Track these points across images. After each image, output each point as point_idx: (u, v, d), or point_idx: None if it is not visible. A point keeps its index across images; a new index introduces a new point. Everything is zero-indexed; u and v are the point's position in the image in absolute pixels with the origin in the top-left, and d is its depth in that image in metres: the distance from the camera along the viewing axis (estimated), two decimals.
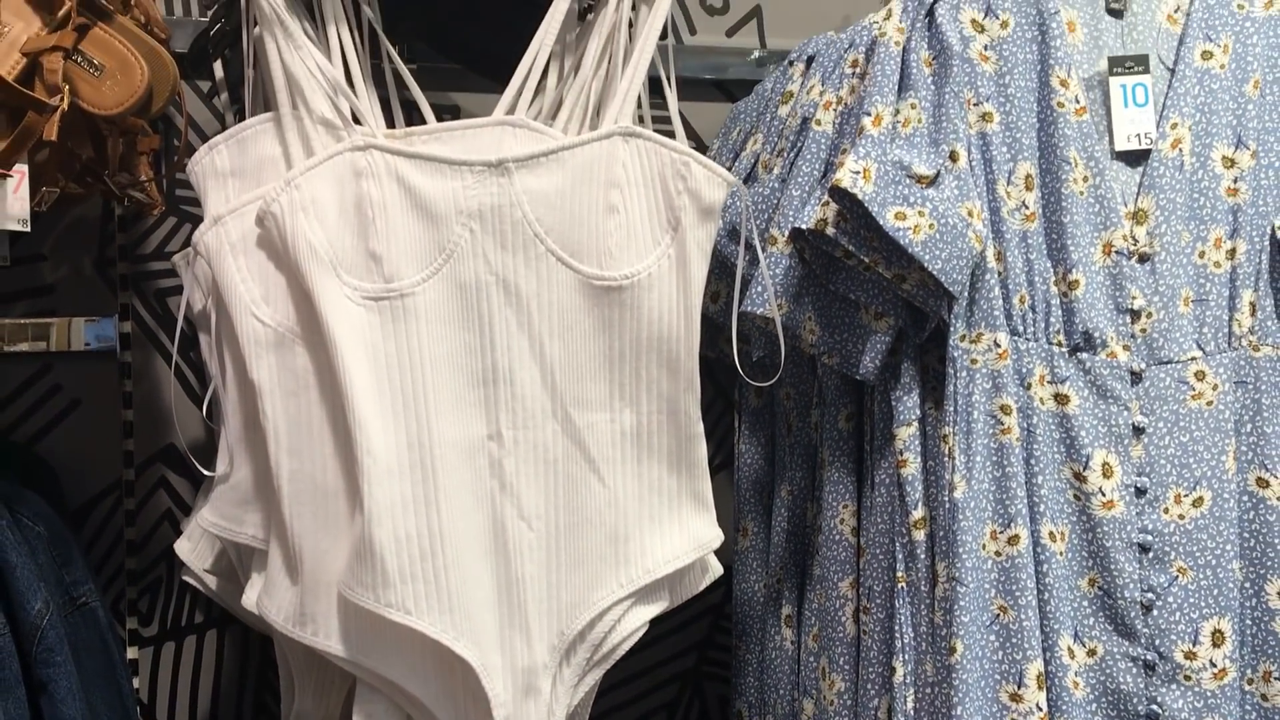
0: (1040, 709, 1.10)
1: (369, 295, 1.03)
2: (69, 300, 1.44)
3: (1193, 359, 1.17)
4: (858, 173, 1.10)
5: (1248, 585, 1.17)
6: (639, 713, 1.66)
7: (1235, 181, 1.19)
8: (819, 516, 1.30)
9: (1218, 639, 1.15)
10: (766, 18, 1.64)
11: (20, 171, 0.99)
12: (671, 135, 1.09)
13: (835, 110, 1.24)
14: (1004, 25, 1.19)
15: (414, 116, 1.17)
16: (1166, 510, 1.16)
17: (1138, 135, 1.19)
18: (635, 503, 1.10)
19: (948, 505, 1.14)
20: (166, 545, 1.47)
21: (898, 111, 1.16)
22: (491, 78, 1.31)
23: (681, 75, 1.33)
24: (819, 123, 1.24)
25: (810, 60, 1.32)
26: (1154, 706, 1.15)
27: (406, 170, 1.03)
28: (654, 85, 1.16)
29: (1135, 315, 1.17)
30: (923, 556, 1.17)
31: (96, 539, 1.47)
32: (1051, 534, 1.15)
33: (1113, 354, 1.17)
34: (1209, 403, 1.17)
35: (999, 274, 1.17)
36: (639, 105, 1.12)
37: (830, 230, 1.14)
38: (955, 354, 1.16)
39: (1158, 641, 1.15)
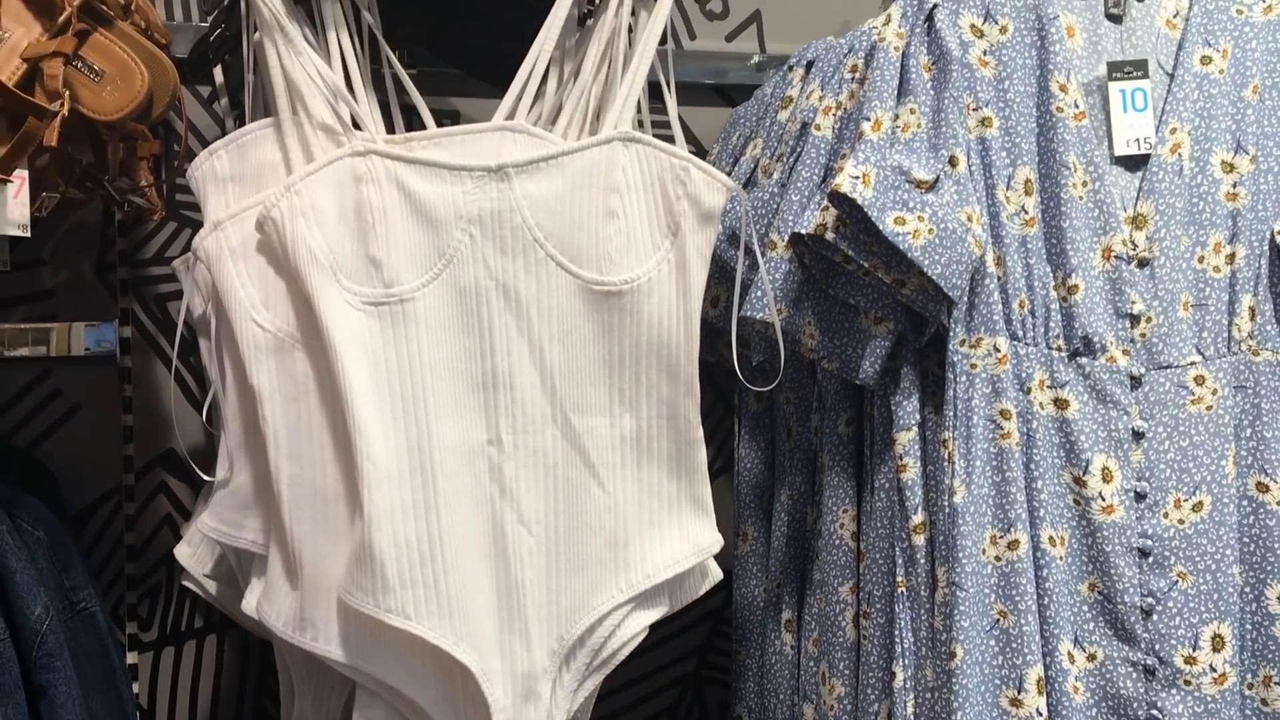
0: (1040, 714, 1.10)
1: (369, 300, 1.03)
2: (69, 305, 1.44)
3: (1192, 364, 1.17)
4: (857, 178, 1.10)
5: (1248, 590, 1.17)
6: (639, 717, 1.66)
7: (1234, 186, 1.19)
8: (819, 521, 1.30)
9: (1218, 644, 1.15)
10: (766, 23, 1.64)
11: (20, 177, 0.99)
12: (671, 140, 1.10)
13: (835, 115, 1.24)
14: (1003, 30, 1.19)
15: (414, 121, 1.17)
16: (1166, 515, 1.16)
17: (1137, 140, 1.20)
18: (635, 508, 1.10)
19: (947, 510, 1.14)
20: (166, 550, 1.47)
21: (897, 116, 1.16)
22: (491, 83, 1.31)
23: (681, 80, 1.33)
24: (818, 128, 1.24)
25: (810, 65, 1.32)
26: (1154, 711, 1.14)
27: (406, 175, 1.03)
28: (654, 90, 1.16)
29: (1135, 320, 1.17)
30: (922, 561, 1.17)
31: (96, 544, 1.47)
32: (1051, 539, 1.15)
33: (1112, 359, 1.17)
34: (1208, 407, 1.17)
35: (998, 279, 1.17)
36: (639, 110, 1.12)
37: (830, 235, 1.14)
38: (955, 359, 1.16)
39: (1158, 646, 1.15)
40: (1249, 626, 1.17)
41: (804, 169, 1.23)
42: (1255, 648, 1.17)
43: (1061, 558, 1.15)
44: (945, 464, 1.15)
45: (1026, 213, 1.18)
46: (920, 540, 1.17)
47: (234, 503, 1.12)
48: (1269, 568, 1.16)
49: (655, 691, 1.66)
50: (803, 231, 1.16)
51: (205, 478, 1.18)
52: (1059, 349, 1.17)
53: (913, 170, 1.12)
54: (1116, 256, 1.17)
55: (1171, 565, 1.15)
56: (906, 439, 1.18)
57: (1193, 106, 1.19)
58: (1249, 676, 1.17)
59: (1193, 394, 1.17)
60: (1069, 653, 1.14)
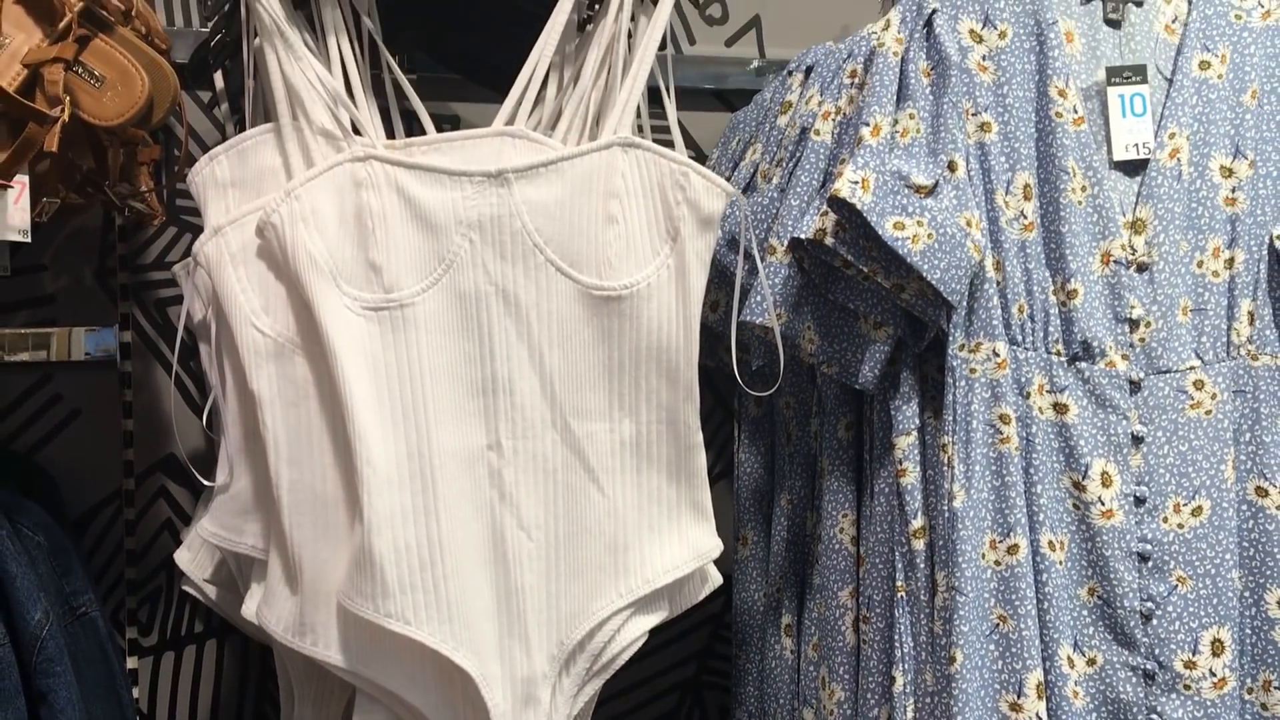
0: (1040, 719, 1.10)
1: (369, 305, 1.03)
2: (69, 310, 1.44)
3: (1191, 368, 1.17)
4: (856, 183, 1.10)
5: (1247, 594, 1.17)
6: None
7: (1233, 191, 1.19)
8: (819, 525, 1.30)
9: (1217, 648, 1.15)
10: (765, 28, 1.64)
11: (21, 182, 0.99)
12: (671, 145, 1.10)
13: (834, 120, 1.24)
14: (1002, 35, 1.19)
15: (414, 127, 1.17)
16: (1166, 519, 1.16)
17: (1136, 145, 1.20)
18: (635, 512, 1.10)
19: (947, 514, 1.14)
20: (166, 555, 1.47)
21: (896, 122, 1.16)
22: (491, 88, 1.31)
23: (681, 85, 1.33)
24: (818, 133, 1.24)
25: (809, 70, 1.32)
26: (1154, 716, 1.14)
27: (406, 181, 1.03)
28: (653, 95, 1.16)
29: (1134, 324, 1.17)
30: (922, 566, 1.17)
31: (96, 549, 1.47)
32: (1051, 543, 1.15)
33: (1111, 363, 1.17)
34: (1208, 412, 1.17)
35: (997, 283, 1.17)
36: (638, 115, 1.13)
37: (829, 240, 1.14)
38: (954, 363, 1.16)
39: (1157, 651, 1.15)
40: (1249, 631, 1.17)
41: (803, 174, 1.24)
42: (1255, 652, 1.17)
43: (1061, 562, 1.15)
44: (945, 469, 1.15)
45: (1025, 217, 1.18)
46: (920, 545, 1.17)
47: (234, 508, 1.12)
48: (1268, 572, 1.16)
49: (655, 696, 1.66)
50: (802, 236, 1.16)
51: (205, 483, 1.18)
52: (1058, 354, 1.17)
53: (912, 175, 1.12)
54: (1115, 261, 1.17)
55: (1171, 570, 1.15)
56: (906, 444, 1.18)
57: (1191, 111, 1.20)
58: (1249, 681, 1.17)
59: (1192, 399, 1.17)
60: (1069, 657, 1.14)
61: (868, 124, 1.16)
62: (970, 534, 1.13)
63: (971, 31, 1.19)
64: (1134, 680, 1.15)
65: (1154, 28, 1.23)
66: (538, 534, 1.08)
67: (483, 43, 1.32)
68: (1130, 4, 1.23)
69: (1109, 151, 1.20)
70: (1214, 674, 1.14)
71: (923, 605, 1.16)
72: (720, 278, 1.28)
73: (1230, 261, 1.19)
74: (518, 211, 1.04)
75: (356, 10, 1.10)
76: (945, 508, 1.14)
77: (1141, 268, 1.18)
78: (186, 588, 1.34)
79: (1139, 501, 1.16)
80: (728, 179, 1.34)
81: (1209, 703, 1.14)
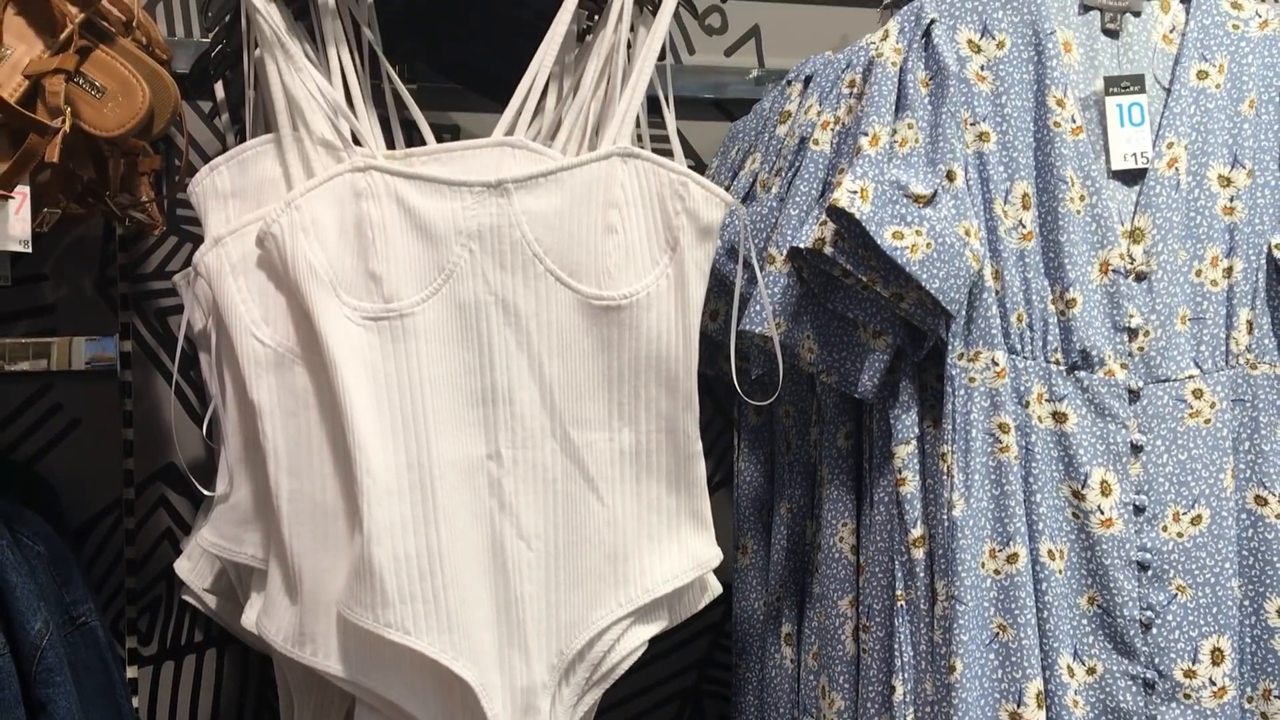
0: None
1: (369, 315, 1.03)
2: (70, 319, 1.45)
3: (1190, 377, 1.18)
4: (855, 192, 1.10)
5: (1247, 603, 1.17)
6: None
7: (1231, 200, 1.20)
8: (818, 534, 1.30)
9: (1217, 657, 1.15)
10: (765, 37, 1.64)
11: (22, 193, 0.99)
12: (670, 154, 1.10)
13: (833, 130, 1.25)
14: (1000, 46, 1.19)
15: (414, 137, 1.17)
16: (1165, 528, 1.16)
17: (1134, 154, 1.20)
18: (634, 522, 1.10)
19: (946, 523, 1.14)
20: (166, 564, 1.47)
21: (895, 131, 1.16)
22: (491, 98, 1.31)
23: (680, 95, 1.34)
24: (816, 142, 1.25)
25: (808, 80, 1.32)
26: None
27: (406, 191, 1.04)
28: (653, 105, 1.16)
29: (1133, 333, 1.17)
30: (922, 575, 1.17)
31: (96, 558, 1.47)
32: (1050, 552, 1.15)
33: (1110, 372, 1.17)
34: (1207, 421, 1.17)
35: (996, 293, 1.17)
36: (637, 125, 1.13)
37: (828, 249, 1.14)
38: (953, 372, 1.16)
39: (1157, 660, 1.15)
40: (1248, 640, 1.17)
41: (802, 183, 1.24)
42: (1255, 661, 1.17)
43: (1060, 571, 1.15)
44: (944, 477, 1.15)
45: (1024, 227, 1.18)
46: (919, 554, 1.17)
47: (234, 517, 1.12)
48: (1268, 581, 1.16)
49: (655, 705, 1.66)
50: (801, 246, 1.16)
51: (205, 492, 1.18)
52: (1057, 363, 1.17)
53: (910, 185, 1.12)
54: (1114, 270, 1.17)
55: (1170, 578, 1.15)
56: (905, 452, 1.18)
57: (1189, 121, 1.20)
58: (1249, 690, 1.17)
59: (1191, 407, 1.17)
60: (1068, 666, 1.14)
61: (866, 134, 1.16)
62: (970, 543, 1.13)
63: (970, 42, 1.19)
64: (1134, 689, 1.15)
65: (1152, 38, 1.23)
66: (537, 543, 1.08)
67: (482, 53, 1.33)
68: (1128, 14, 1.23)
69: (1107, 161, 1.21)
70: (1214, 683, 1.14)
71: (922, 614, 1.16)
72: (720, 287, 1.29)
73: (1229, 270, 1.19)
74: (517, 221, 1.04)
75: (357, 21, 1.10)
76: (945, 516, 1.14)
77: (1140, 277, 1.18)
78: (186, 597, 1.34)
79: (1138, 510, 1.16)
80: (727, 188, 1.34)
81: (1209, 712, 1.14)
